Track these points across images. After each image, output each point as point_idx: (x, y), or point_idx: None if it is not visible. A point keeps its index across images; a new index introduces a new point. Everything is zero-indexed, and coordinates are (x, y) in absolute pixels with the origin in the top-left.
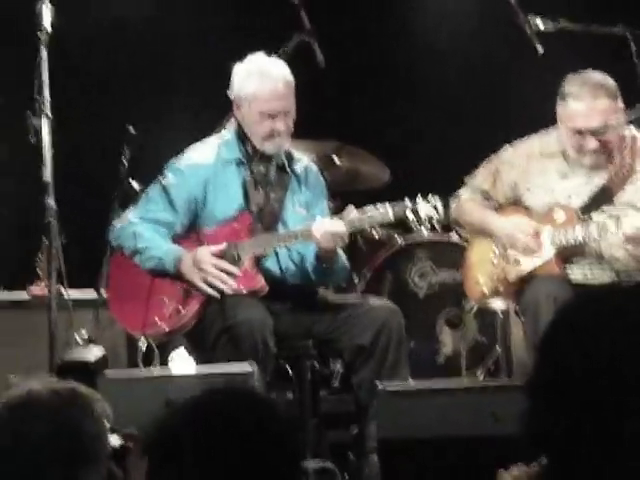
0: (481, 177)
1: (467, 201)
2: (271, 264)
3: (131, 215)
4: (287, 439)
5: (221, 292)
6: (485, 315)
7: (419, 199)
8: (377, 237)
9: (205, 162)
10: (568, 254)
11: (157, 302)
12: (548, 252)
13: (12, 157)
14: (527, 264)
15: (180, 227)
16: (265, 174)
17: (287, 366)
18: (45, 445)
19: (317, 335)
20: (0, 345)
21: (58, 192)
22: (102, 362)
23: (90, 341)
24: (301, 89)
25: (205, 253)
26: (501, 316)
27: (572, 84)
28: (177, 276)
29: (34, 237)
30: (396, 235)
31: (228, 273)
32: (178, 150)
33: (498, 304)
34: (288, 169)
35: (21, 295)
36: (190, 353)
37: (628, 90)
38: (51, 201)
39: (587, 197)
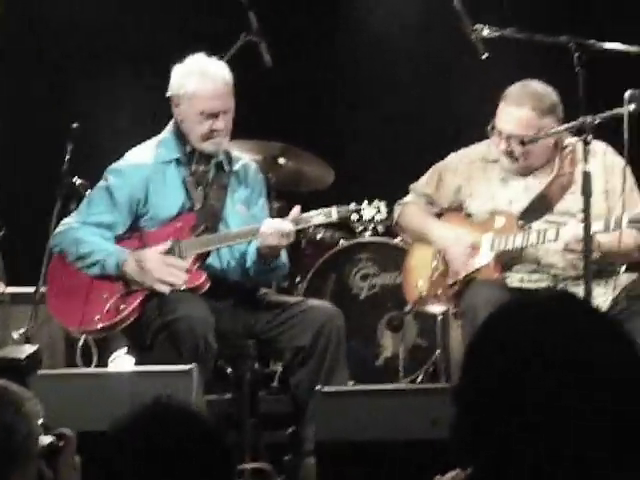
0: (424, 182)
1: (410, 206)
2: (212, 261)
3: (73, 220)
4: (214, 453)
5: (171, 287)
6: (425, 318)
7: (364, 203)
8: (320, 238)
9: (145, 162)
10: (506, 259)
11: (97, 299)
12: (487, 257)
13: None
14: (465, 268)
15: (122, 228)
16: (205, 173)
17: (226, 366)
18: None
19: (257, 334)
20: None
21: None
22: (34, 360)
23: (27, 338)
24: (247, 90)
25: (151, 252)
26: (441, 319)
27: (511, 88)
28: (121, 277)
29: None
30: (339, 237)
31: (176, 268)
32: (121, 148)
33: (437, 308)
34: (227, 168)
35: None
36: (131, 353)
37: (571, 99)
38: None
39: (526, 203)
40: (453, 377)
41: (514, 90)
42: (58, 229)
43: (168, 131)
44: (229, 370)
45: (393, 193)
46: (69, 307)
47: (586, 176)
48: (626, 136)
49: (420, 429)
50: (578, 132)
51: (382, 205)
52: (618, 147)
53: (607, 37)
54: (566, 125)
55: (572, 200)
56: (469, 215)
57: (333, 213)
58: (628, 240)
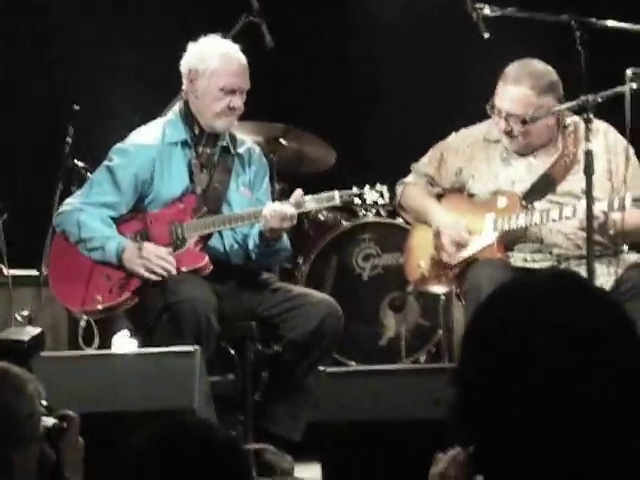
0: (426, 162)
1: (411, 186)
2: (215, 244)
3: (76, 200)
4: (233, 470)
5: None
6: (428, 299)
7: (366, 187)
8: (322, 219)
9: (151, 143)
10: (510, 238)
11: (99, 279)
12: (490, 237)
13: None
14: (468, 248)
15: (125, 208)
16: (210, 156)
17: (229, 348)
18: None
19: (260, 316)
20: None
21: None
22: (37, 342)
23: (30, 320)
24: (250, 70)
25: (150, 245)
26: (443, 300)
27: (510, 67)
28: (120, 265)
29: None
30: (341, 218)
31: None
32: (123, 131)
33: (439, 288)
34: (232, 151)
35: None
36: (133, 335)
37: (572, 78)
38: None
39: (530, 184)
40: (456, 357)
41: (512, 69)
42: (61, 209)
43: (175, 112)
44: (232, 351)
45: (395, 173)
46: (71, 287)
47: (588, 155)
48: (628, 115)
49: (423, 409)
50: (579, 111)
51: (384, 189)
52: (619, 126)
53: (608, 15)
54: (567, 104)
55: (575, 180)
56: (471, 195)
57: (336, 197)
58: (635, 219)
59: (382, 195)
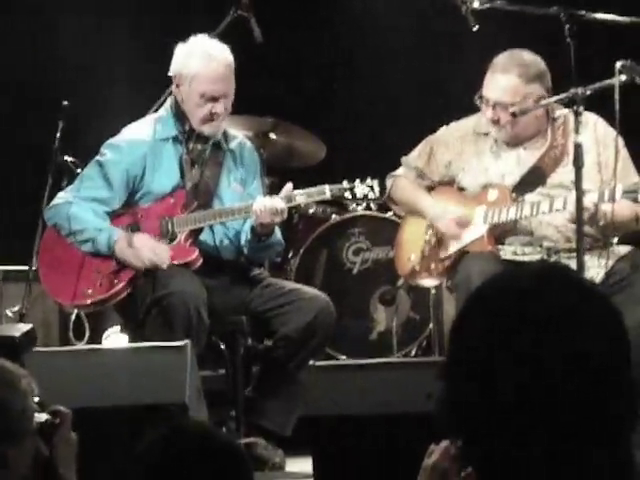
0: (416, 155)
1: (401, 179)
2: (206, 238)
3: (68, 194)
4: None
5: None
6: (418, 292)
7: (357, 181)
8: (312, 213)
9: (142, 139)
10: (500, 231)
11: (89, 273)
12: (480, 230)
13: None
14: (459, 242)
15: (117, 203)
16: (202, 152)
17: (220, 342)
18: None
19: (251, 311)
20: None
21: None
22: (29, 338)
23: (21, 316)
24: (238, 65)
25: (142, 235)
26: (434, 293)
27: (498, 57)
28: (111, 256)
29: None
30: (331, 211)
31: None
32: (113, 126)
33: (430, 281)
34: (224, 146)
35: None
36: (123, 330)
37: (562, 71)
38: None
39: (519, 176)
40: (446, 351)
41: (501, 58)
42: (53, 202)
43: (166, 109)
44: (222, 346)
45: (385, 167)
46: (61, 281)
47: (577, 147)
48: (617, 107)
49: (414, 402)
50: (569, 103)
51: (375, 184)
52: (609, 119)
53: (598, 8)
54: (557, 96)
55: (565, 172)
56: (461, 189)
57: (326, 191)
58: (625, 211)
59: (372, 189)
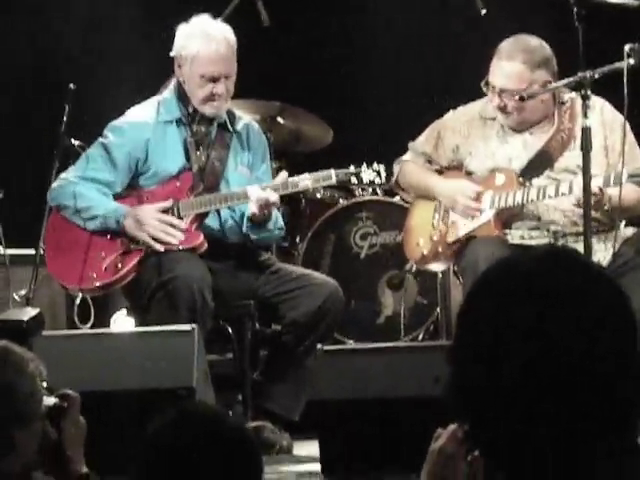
0: (423, 141)
1: (409, 164)
2: (212, 222)
3: (70, 175)
4: (242, 457)
5: (166, 245)
6: (426, 277)
7: (364, 166)
8: (319, 198)
9: (146, 121)
10: (507, 216)
11: (95, 257)
12: (487, 214)
13: None
14: (466, 226)
15: (120, 186)
16: (206, 134)
17: (227, 326)
18: None
19: (259, 297)
20: None
21: None
22: (37, 322)
23: (27, 300)
24: (245, 48)
25: (149, 209)
26: (441, 278)
27: (503, 43)
28: (121, 232)
29: None
30: (338, 196)
31: (173, 227)
32: (119, 108)
33: (438, 266)
34: (230, 128)
35: None
36: (130, 313)
37: (570, 55)
38: None
39: (526, 160)
40: (453, 335)
41: (506, 44)
42: (56, 183)
43: (170, 90)
44: (230, 330)
45: (392, 152)
46: (67, 265)
47: (585, 131)
48: (626, 91)
49: (422, 386)
50: (577, 87)
51: (382, 169)
52: (617, 102)
53: None
54: (564, 80)
55: (572, 157)
56: (469, 173)
57: (332, 176)
58: (631, 195)
59: (379, 174)
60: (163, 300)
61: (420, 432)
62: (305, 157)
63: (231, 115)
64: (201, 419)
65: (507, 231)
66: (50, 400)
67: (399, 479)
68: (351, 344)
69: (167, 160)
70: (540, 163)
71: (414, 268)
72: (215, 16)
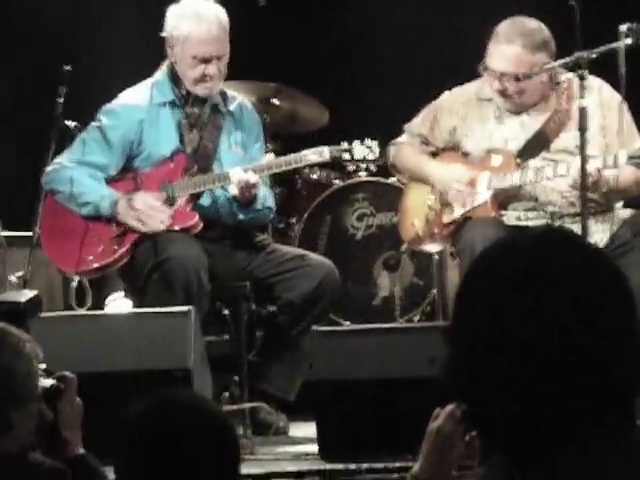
0: (419, 122)
1: (405, 146)
2: (206, 203)
3: (65, 159)
4: (221, 444)
5: (155, 229)
6: (422, 258)
7: (355, 142)
8: (315, 179)
9: (139, 104)
10: (504, 197)
11: (90, 240)
12: (484, 195)
13: None
14: (462, 207)
15: (115, 169)
16: (199, 115)
17: (223, 308)
18: None
19: (255, 278)
20: None
21: None
22: (34, 304)
23: (24, 282)
24: (241, 29)
25: (140, 195)
26: (437, 259)
27: (501, 26)
28: (113, 219)
29: None
30: (334, 177)
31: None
32: (114, 89)
33: (433, 247)
34: (223, 109)
35: None
36: (127, 296)
37: (567, 35)
38: None
39: (523, 141)
40: (450, 316)
41: (504, 28)
42: (50, 167)
43: (162, 72)
44: (226, 311)
45: (388, 133)
46: (62, 248)
47: (582, 111)
48: (622, 71)
49: (418, 367)
50: (573, 68)
51: (374, 145)
52: (613, 82)
53: None
54: (561, 60)
55: (569, 137)
56: (465, 154)
57: (325, 152)
58: (629, 176)
59: (371, 150)
60: (159, 281)
61: (416, 413)
62: (301, 138)
63: (224, 95)
64: (179, 404)
65: (503, 212)
66: (47, 381)
67: (396, 459)
68: (347, 325)
69: (160, 142)
70: (537, 144)
71: (410, 250)
72: None
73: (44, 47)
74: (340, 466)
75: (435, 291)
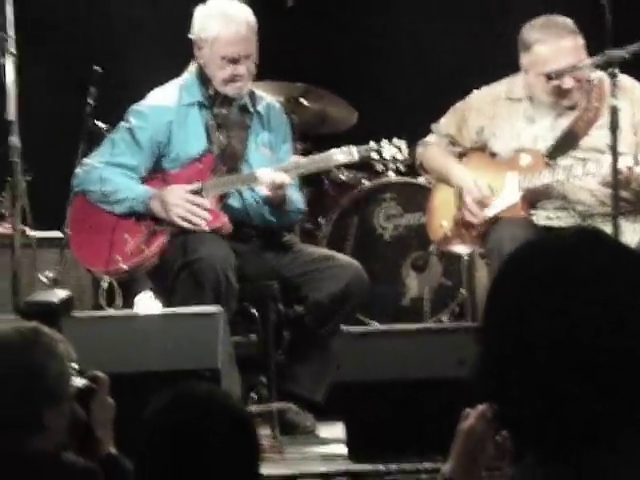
0: (447, 122)
1: (432, 146)
2: (235, 204)
3: (95, 160)
4: (241, 438)
5: (193, 225)
6: (450, 258)
7: (384, 141)
8: (343, 179)
9: (167, 105)
10: (533, 197)
11: (120, 240)
12: (514, 196)
13: None
14: (492, 208)
15: (144, 170)
16: (227, 116)
17: (251, 308)
18: (7, 383)
19: (283, 278)
20: None
21: (23, 131)
22: (67, 304)
23: (55, 282)
24: (269, 30)
25: (177, 190)
26: (466, 259)
27: (533, 31)
28: (146, 214)
29: None
30: (362, 177)
31: (199, 207)
32: (144, 91)
33: (462, 248)
34: (251, 109)
35: None
36: (156, 296)
37: (596, 34)
38: (15, 140)
39: (552, 140)
40: (479, 316)
41: (538, 30)
42: (80, 169)
43: (190, 73)
44: (254, 311)
45: (416, 133)
46: (92, 249)
47: (614, 110)
48: None
49: (447, 368)
50: (604, 66)
51: (403, 144)
52: None
53: None
54: (593, 59)
55: (599, 136)
56: (493, 154)
57: (354, 152)
58: None
59: (400, 149)
60: (188, 281)
61: (445, 414)
62: (330, 138)
63: (252, 96)
64: (197, 400)
65: (533, 211)
66: (79, 381)
67: (425, 460)
68: (375, 326)
69: (189, 143)
70: (566, 142)
71: (438, 251)
72: None
73: (75, 48)
74: (369, 467)
75: (464, 291)
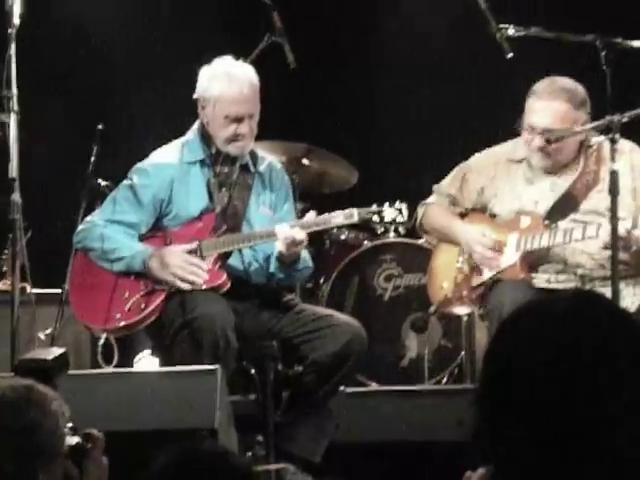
0: (448, 182)
1: (434, 206)
2: (235, 262)
3: (96, 218)
4: None
5: (191, 285)
6: (450, 320)
7: (386, 204)
8: (344, 239)
9: (170, 163)
10: (533, 259)
11: (118, 297)
12: (513, 257)
13: None
14: (491, 269)
15: (145, 227)
16: (229, 175)
17: (250, 367)
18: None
19: (282, 338)
20: None
21: (24, 188)
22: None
23: (53, 339)
24: (272, 91)
25: (175, 250)
26: (466, 320)
27: (539, 84)
28: (146, 273)
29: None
30: (363, 237)
31: (197, 267)
32: (146, 149)
33: (462, 309)
34: (252, 168)
35: None
36: (155, 354)
37: (598, 99)
38: (17, 197)
39: (552, 202)
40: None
41: (543, 85)
42: (82, 226)
43: (193, 132)
44: (253, 371)
45: (417, 194)
46: (90, 306)
47: (613, 175)
48: None
49: (446, 430)
50: (605, 131)
51: (403, 207)
52: None
53: (635, 36)
54: (594, 123)
55: (598, 199)
56: (493, 215)
57: (354, 214)
58: None
59: (401, 212)
60: (186, 340)
61: (445, 476)
62: (330, 198)
63: (254, 155)
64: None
65: (533, 274)
66: (73, 439)
67: None
68: (374, 386)
69: (190, 202)
70: (566, 205)
71: (438, 312)
72: (243, 59)
73: (78, 106)
74: None
75: (463, 353)
